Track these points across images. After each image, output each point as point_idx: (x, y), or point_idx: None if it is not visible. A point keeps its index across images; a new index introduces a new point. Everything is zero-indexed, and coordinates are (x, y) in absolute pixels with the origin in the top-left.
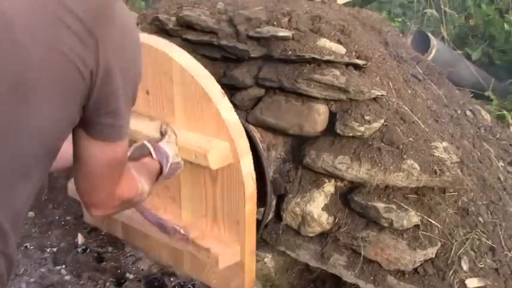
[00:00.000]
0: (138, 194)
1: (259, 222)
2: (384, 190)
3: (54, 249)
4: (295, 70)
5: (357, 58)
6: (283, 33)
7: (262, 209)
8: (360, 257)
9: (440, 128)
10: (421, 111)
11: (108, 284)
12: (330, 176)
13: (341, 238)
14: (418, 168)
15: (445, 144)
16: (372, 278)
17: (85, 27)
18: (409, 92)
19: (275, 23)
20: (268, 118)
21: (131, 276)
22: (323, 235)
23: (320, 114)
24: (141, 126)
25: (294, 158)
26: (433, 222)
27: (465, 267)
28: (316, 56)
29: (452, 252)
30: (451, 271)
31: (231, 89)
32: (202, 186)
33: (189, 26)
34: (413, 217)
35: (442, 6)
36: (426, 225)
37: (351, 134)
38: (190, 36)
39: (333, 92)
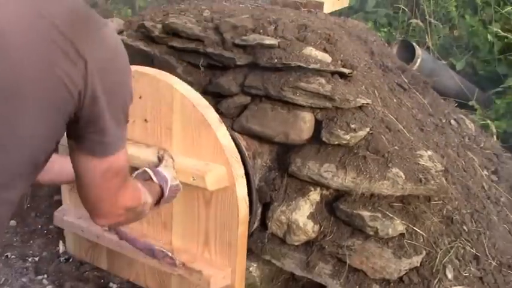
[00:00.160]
0: (141, 204)
1: None
2: (370, 198)
3: (36, 259)
4: (281, 78)
5: (343, 67)
6: (269, 41)
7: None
8: (345, 266)
9: (425, 137)
10: (406, 120)
11: None
12: (316, 184)
13: (326, 247)
14: (403, 176)
15: (429, 152)
16: (357, 286)
17: (72, 44)
18: (395, 100)
19: (261, 31)
20: (254, 126)
21: (114, 286)
22: (308, 244)
23: (306, 122)
24: (138, 152)
25: (279, 166)
26: (418, 230)
27: (450, 275)
28: (302, 64)
29: (437, 260)
30: (436, 280)
31: (216, 96)
32: (196, 210)
33: (174, 33)
34: (398, 225)
35: (427, 17)
36: (411, 234)
37: (336, 142)
38: (176, 43)
39: (319, 100)
